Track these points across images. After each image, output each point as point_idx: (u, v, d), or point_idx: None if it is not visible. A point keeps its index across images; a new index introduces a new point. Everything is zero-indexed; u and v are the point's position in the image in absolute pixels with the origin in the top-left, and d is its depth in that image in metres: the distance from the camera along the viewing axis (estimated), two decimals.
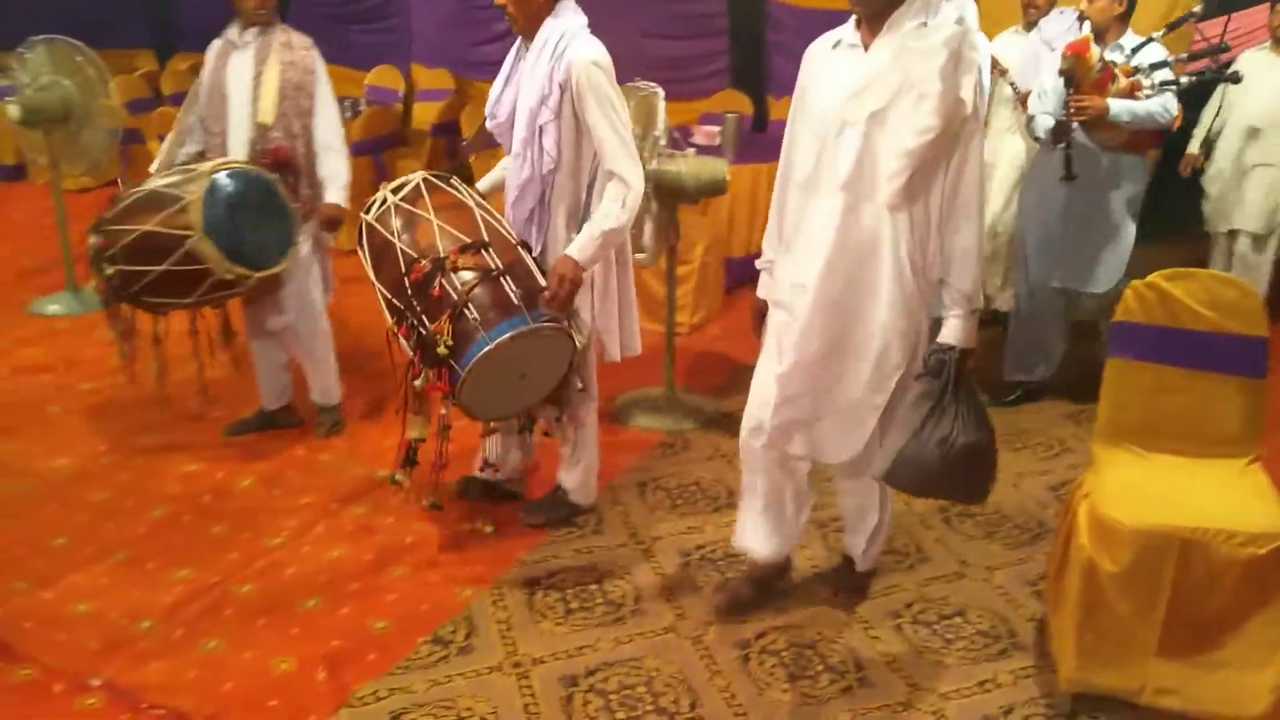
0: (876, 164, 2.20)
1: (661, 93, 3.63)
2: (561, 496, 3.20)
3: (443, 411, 2.73)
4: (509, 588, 2.87)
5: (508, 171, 2.91)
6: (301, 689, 2.45)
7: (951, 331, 2.29)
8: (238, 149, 3.34)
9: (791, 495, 2.64)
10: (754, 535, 2.69)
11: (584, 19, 2.75)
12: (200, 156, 3.42)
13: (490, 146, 3.59)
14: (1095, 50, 3.51)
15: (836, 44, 2.30)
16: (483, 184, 3.01)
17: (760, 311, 2.56)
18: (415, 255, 2.62)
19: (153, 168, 3.44)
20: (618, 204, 2.68)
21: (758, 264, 2.57)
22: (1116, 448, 2.48)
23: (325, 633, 2.65)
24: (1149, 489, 2.33)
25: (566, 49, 2.66)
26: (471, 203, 2.75)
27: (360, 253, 2.77)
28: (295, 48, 3.40)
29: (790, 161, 2.42)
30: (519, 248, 2.72)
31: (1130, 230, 3.78)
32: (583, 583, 2.90)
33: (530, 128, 2.71)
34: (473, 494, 3.26)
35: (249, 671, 2.50)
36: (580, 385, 2.88)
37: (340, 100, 3.75)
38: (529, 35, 2.74)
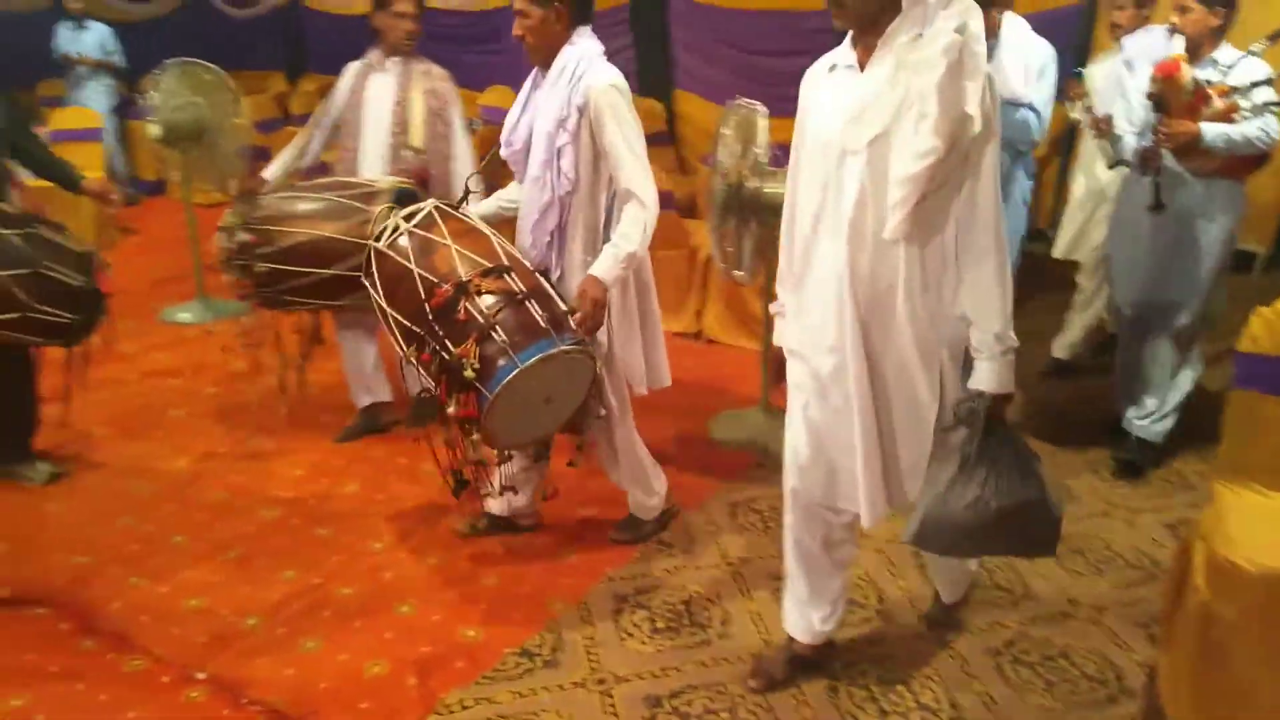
0: (882, 195, 2.00)
1: (763, 110, 3.60)
2: (635, 518, 3.20)
3: (474, 436, 2.63)
4: (597, 602, 2.88)
5: (513, 201, 2.93)
6: (392, 693, 2.51)
7: (982, 376, 2.08)
8: (373, 165, 3.57)
9: (831, 571, 2.45)
10: (792, 617, 2.52)
11: (600, 46, 2.77)
12: (323, 169, 3.60)
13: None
14: (1187, 71, 3.19)
15: (833, 67, 2.11)
16: (477, 211, 2.95)
17: (779, 360, 2.37)
18: (435, 280, 2.59)
19: (269, 173, 3.67)
20: (638, 227, 2.67)
21: (772, 309, 2.39)
22: (1239, 486, 2.32)
23: (417, 638, 2.71)
24: (1275, 531, 2.17)
25: (585, 74, 2.68)
26: (487, 230, 2.76)
27: (369, 281, 2.75)
28: (435, 77, 3.65)
29: (794, 199, 2.23)
30: (537, 273, 2.72)
31: (1219, 262, 3.45)
32: (670, 602, 2.89)
33: (549, 151, 2.71)
34: (482, 530, 3.22)
35: (343, 672, 2.58)
36: (603, 410, 2.85)
37: None
38: (545, 64, 2.77)
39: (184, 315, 5.24)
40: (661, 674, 2.59)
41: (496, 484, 2.84)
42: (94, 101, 7.46)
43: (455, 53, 7.37)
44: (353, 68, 3.68)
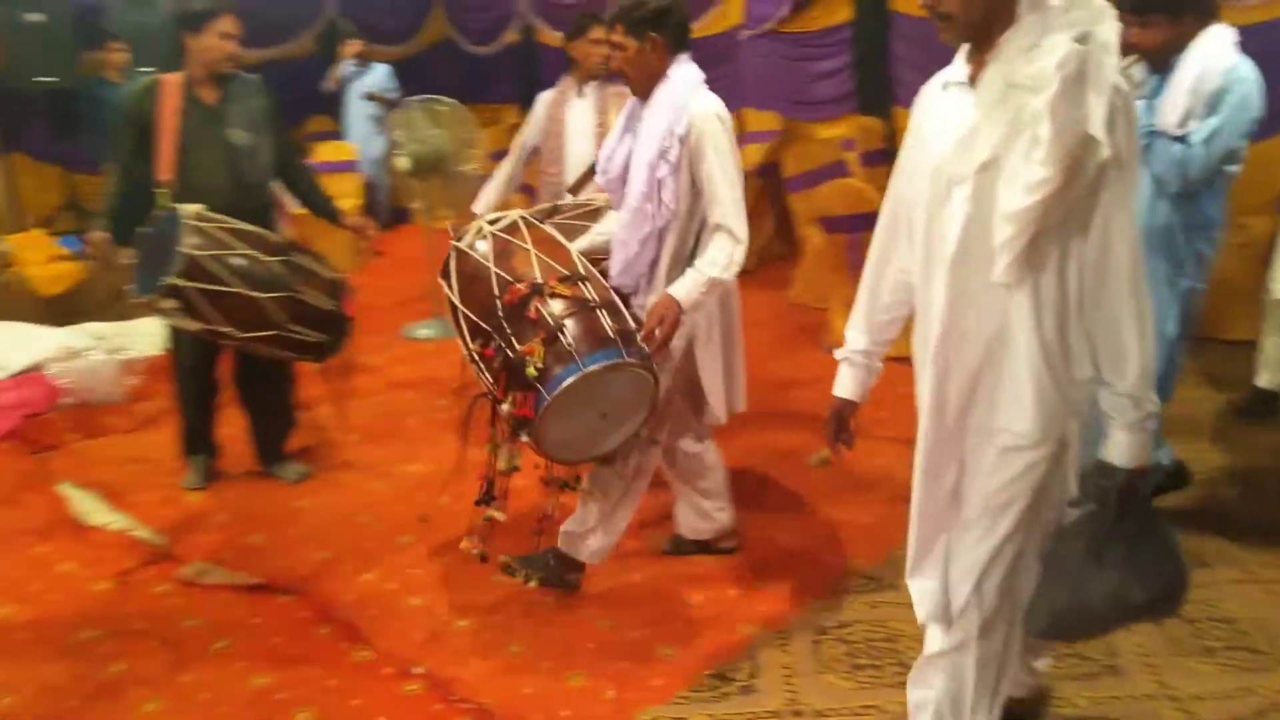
0: (989, 231, 1.74)
1: None
2: (559, 554, 2.98)
3: (522, 439, 2.59)
4: (797, 632, 2.82)
5: (606, 234, 2.89)
6: (590, 704, 2.57)
7: (1115, 448, 1.79)
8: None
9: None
10: None
11: (701, 75, 2.71)
12: (526, 192, 3.87)
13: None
14: None
15: (945, 85, 1.86)
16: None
17: (837, 414, 2.16)
18: (511, 280, 2.63)
19: (478, 207, 3.96)
20: (725, 254, 2.64)
21: (837, 354, 2.17)
22: None
23: (617, 652, 2.76)
24: None
25: (687, 102, 2.64)
26: (568, 244, 2.77)
27: (445, 280, 2.81)
28: (628, 98, 3.66)
29: (893, 231, 2.03)
30: (613, 291, 2.70)
31: None
32: (874, 639, 2.78)
33: (649, 183, 2.67)
34: (686, 551, 3.22)
35: (546, 678, 2.67)
36: (648, 434, 2.79)
37: None
38: (646, 95, 2.74)
39: (423, 332, 5.65)
40: (862, 712, 2.50)
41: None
42: (367, 136, 8.20)
43: None
44: (546, 97, 3.93)
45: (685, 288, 2.65)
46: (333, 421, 4.22)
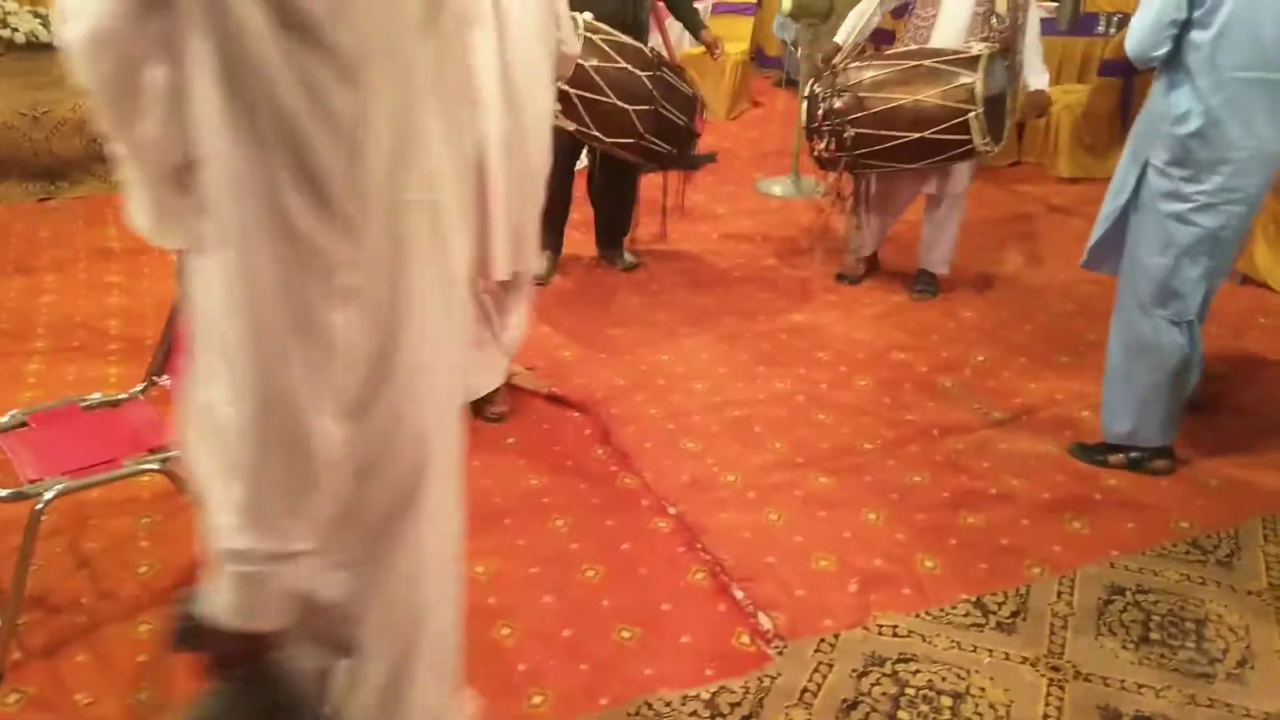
0: None
1: None
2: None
3: None
4: (1086, 584, 2.47)
5: None
6: (829, 590, 2.44)
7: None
8: (950, 33, 3.74)
9: None
10: None
11: None
12: (881, 36, 4.00)
13: None
14: None
15: None
16: None
17: None
18: None
19: (839, 37, 3.93)
20: None
21: None
22: None
23: (873, 549, 2.59)
24: None
25: None
26: None
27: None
28: None
29: None
30: None
31: None
32: (1177, 615, 2.36)
33: None
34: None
35: (792, 554, 2.57)
36: None
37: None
38: None
39: (775, 189, 5.51)
40: (1135, 690, 2.15)
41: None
42: None
43: None
44: None
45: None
46: (661, 254, 4.40)
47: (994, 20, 3.63)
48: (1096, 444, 2.99)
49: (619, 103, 3.63)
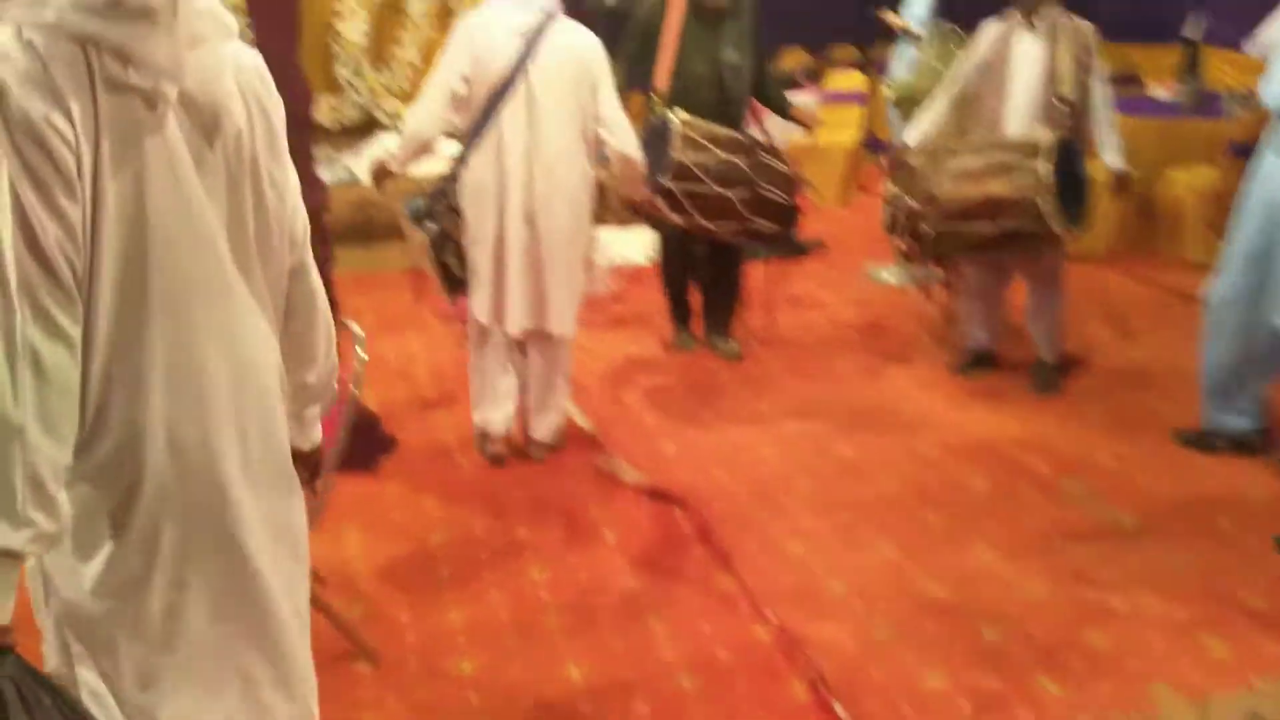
0: None
1: None
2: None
3: None
4: (1222, 711, 2.26)
5: None
6: (938, 712, 2.30)
7: None
8: (1019, 120, 3.75)
9: None
10: None
11: None
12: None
13: None
14: None
15: None
16: None
17: None
18: None
19: (910, 137, 4.03)
20: None
21: None
22: None
23: (991, 667, 2.43)
24: None
25: None
26: None
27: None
28: (1082, 32, 3.77)
29: None
30: None
31: None
32: None
33: None
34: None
35: (901, 669, 2.44)
36: None
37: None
38: None
39: (886, 275, 5.42)
40: None
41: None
42: (898, 65, 7.81)
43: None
44: (993, 27, 3.86)
45: None
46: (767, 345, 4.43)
47: (1059, 106, 3.64)
48: None
49: (717, 189, 3.73)
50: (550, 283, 3.24)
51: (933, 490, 3.28)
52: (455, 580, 2.83)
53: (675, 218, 3.81)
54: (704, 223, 3.82)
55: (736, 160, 3.77)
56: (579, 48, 3.18)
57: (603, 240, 5.33)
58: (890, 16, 7.28)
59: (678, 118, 3.75)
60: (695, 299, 4.53)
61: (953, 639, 2.55)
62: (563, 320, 3.33)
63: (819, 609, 2.68)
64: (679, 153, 3.67)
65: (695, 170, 3.71)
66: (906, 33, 7.33)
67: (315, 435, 1.69)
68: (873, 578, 2.81)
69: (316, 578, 2.68)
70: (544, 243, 3.20)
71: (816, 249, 5.98)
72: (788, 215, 3.95)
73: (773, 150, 3.97)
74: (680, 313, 4.53)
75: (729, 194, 3.75)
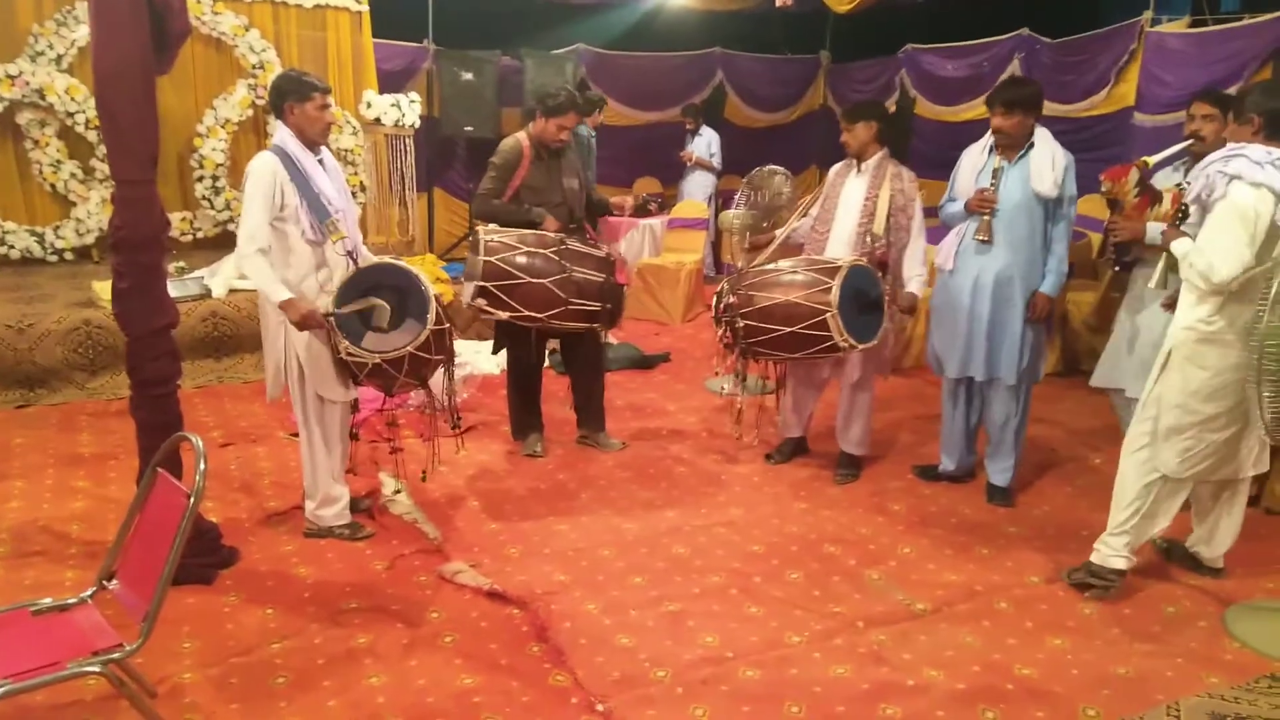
0: None
1: None
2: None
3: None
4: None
5: None
6: None
7: None
8: (839, 246, 4.33)
9: None
10: None
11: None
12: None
13: None
14: (1133, 175, 3.72)
15: None
16: None
17: None
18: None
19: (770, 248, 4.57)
20: None
21: None
22: None
23: None
24: None
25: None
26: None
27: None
28: (904, 179, 4.30)
29: None
30: None
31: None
32: None
33: None
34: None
35: None
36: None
37: None
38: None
39: (721, 386, 5.81)
40: None
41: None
42: (697, 194, 8.68)
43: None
44: (837, 167, 4.50)
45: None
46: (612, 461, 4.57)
47: (869, 239, 4.25)
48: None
49: (530, 279, 4.13)
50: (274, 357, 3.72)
51: (754, 584, 3.54)
52: (293, 689, 2.88)
53: (501, 314, 4.19)
54: (532, 314, 4.17)
55: (544, 252, 4.19)
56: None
57: (460, 352, 5.55)
58: (684, 153, 8.58)
59: (484, 229, 4.23)
60: (542, 408, 4.85)
61: (765, 718, 2.77)
62: (332, 388, 3.77)
63: (644, 698, 2.86)
64: (485, 256, 4.10)
65: (504, 266, 4.11)
66: (708, 168, 8.66)
67: None
68: (695, 666, 3.02)
69: (146, 689, 2.72)
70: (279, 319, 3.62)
71: (661, 362, 6.37)
72: (611, 292, 4.33)
73: (581, 238, 4.44)
74: (524, 420, 4.85)
75: (544, 282, 4.14)
